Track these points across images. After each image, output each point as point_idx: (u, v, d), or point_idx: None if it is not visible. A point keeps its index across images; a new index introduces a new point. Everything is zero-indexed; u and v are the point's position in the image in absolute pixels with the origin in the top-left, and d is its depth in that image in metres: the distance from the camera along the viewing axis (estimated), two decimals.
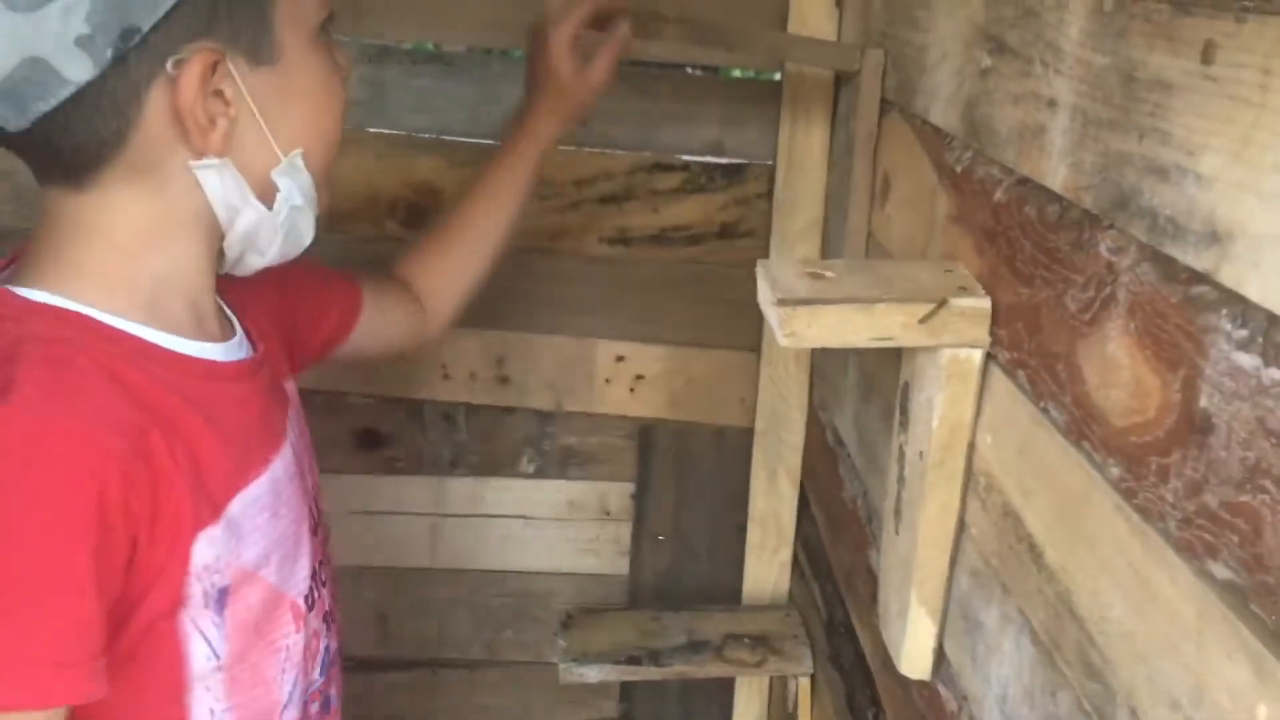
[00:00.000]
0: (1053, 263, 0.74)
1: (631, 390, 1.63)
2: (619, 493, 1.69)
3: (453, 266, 1.20)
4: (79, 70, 0.69)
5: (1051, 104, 0.75)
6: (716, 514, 1.69)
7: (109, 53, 0.70)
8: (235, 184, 0.79)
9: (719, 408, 1.63)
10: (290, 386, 0.96)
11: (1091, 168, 0.69)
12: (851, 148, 1.24)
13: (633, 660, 1.44)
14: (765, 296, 0.85)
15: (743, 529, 1.64)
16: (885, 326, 0.82)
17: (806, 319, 0.81)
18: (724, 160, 1.53)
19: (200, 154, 0.76)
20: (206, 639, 0.77)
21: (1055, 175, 0.75)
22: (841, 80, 1.35)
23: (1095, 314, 0.69)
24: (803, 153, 1.44)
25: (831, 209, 1.41)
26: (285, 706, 0.86)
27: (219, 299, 0.86)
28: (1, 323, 0.72)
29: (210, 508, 0.76)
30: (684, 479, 1.68)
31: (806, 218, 1.47)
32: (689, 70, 1.61)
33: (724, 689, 1.73)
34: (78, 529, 0.67)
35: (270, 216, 0.82)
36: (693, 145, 1.53)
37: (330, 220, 1.52)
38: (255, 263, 0.86)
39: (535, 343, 1.60)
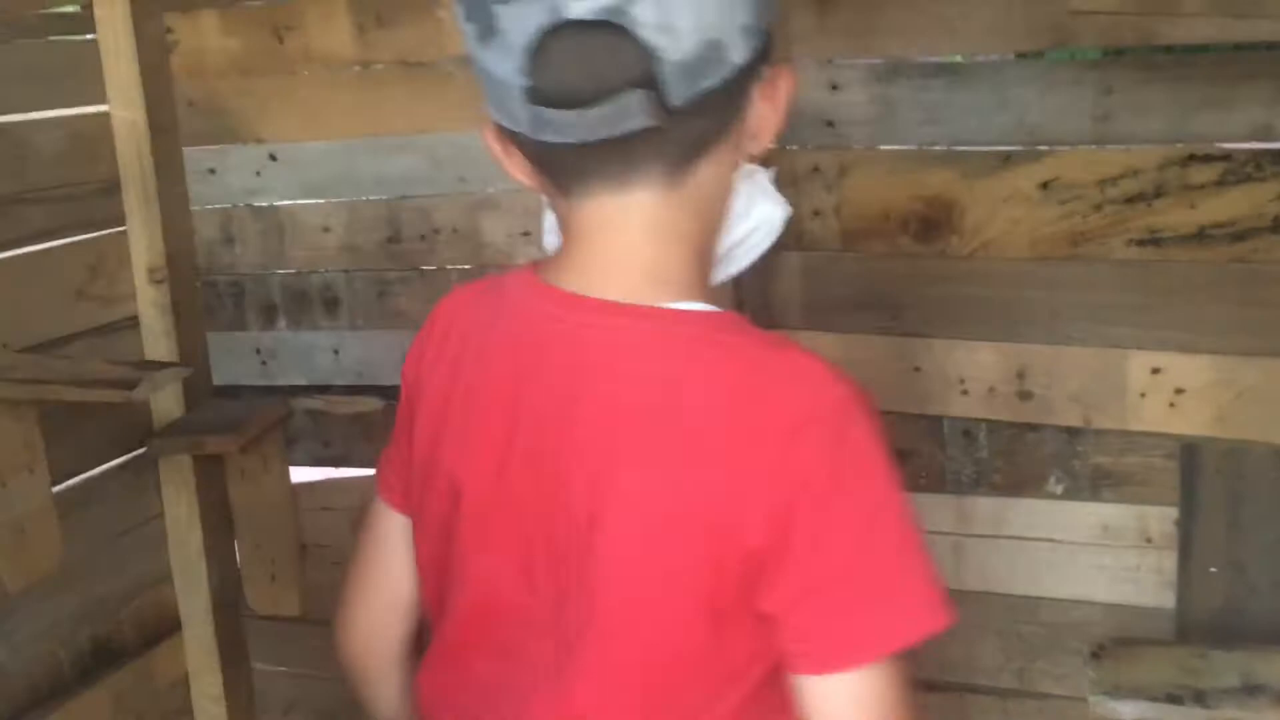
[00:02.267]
0: None
1: (1171, 405, 1.49)
2: (1160, 518, 1.54)
3: None
4: (739, 55, 0.77)
5: None
6: (1279, 543, 1.49)
7: (755, 44, 0.78)
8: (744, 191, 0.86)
9: (1277, 424, 1.44)
10: None
11: None
12: None
13: (1173, 699, 1.30)
14: None
15: None
16: None
17: None
18: (1274, 145, 1.36)
19: (745, 158, 0.83)
20: None
21: None
22: None
23: None
24: None
25: None
26: None
27: None
28: None
29: None
30: (1238, 504, 1.50)
31: None
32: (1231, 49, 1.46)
33: None
34: None
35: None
36: (1234, 131, 1.38)
37: (844, 240, 1.58)
38: (718, 275, 0.89)
39: (1059, 355, 1.52)
